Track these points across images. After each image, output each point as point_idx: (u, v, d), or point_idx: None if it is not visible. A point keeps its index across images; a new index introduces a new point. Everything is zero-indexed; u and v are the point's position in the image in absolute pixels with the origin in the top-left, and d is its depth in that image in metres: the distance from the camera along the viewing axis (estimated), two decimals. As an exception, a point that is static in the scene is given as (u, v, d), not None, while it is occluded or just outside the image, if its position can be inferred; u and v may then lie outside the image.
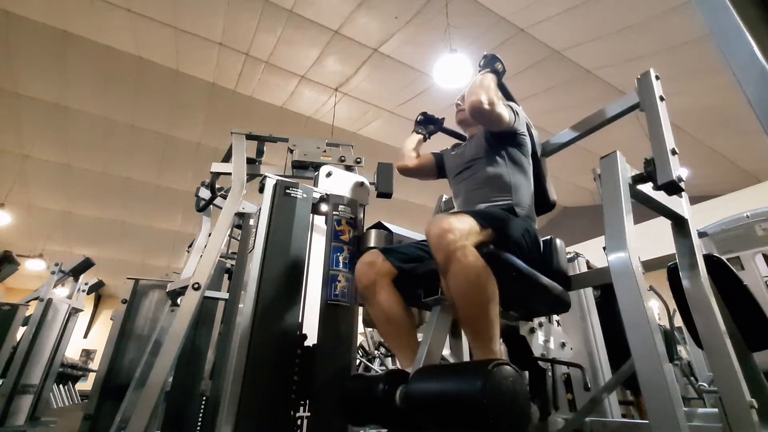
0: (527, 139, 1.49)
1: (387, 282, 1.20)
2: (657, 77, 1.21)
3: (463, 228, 1.04)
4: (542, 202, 1.57)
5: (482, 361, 0.93)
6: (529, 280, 1.13)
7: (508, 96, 1.58)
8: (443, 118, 1.87)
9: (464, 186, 1.52)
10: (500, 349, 1.03)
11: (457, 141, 1.79)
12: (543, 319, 1.25)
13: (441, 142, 1.85)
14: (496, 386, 0.79)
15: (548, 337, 1.21)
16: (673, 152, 1.04)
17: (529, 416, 0.88)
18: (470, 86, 1.41)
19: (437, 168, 1.76)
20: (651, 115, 1.15)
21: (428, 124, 1.87)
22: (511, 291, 1.10)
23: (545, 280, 1.17)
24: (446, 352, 1.50)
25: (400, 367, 1.15)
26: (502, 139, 1.46)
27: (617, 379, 1.37)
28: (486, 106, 1.31)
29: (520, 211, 1.33)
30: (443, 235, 1.01)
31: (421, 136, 1.84)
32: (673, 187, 1.01)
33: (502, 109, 1.37)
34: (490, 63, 1.51)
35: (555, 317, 2.11)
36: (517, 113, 1.47)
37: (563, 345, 1.23)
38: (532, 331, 1.21)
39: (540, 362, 1.17)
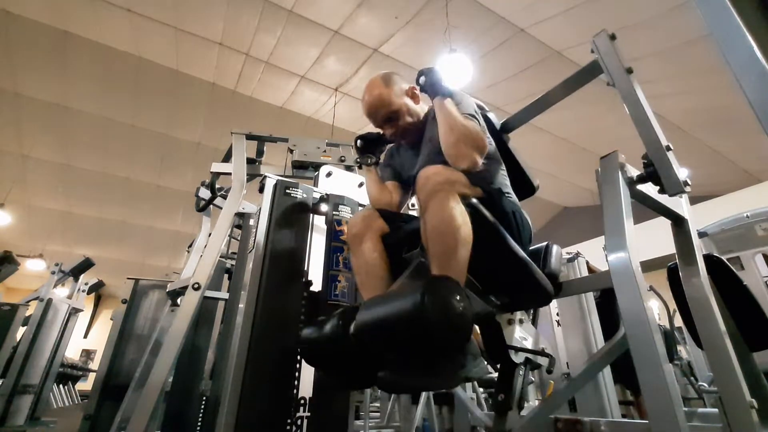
0: (482, 123, 1.29)
1: (375, 236, 1.21)
2: (613, 36, 1.16)
3: (453, 176, 1.04)
4: (522, 186, 1.47)
5: (425, 279, 0.93)
6: (507, 250, 1.08)
7: (446, 91, 1.30)
8: (382, 133, 1.49)
9: None
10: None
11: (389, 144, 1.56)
12: (526, 317, 1.23)
13: None
14: (434, 296, 0.80)
15: (527, 337, 1.19)
16: (668, 149, 1.03)
17: (469, 330, 0.89)
18: (449, 134, 1.17)
19: (405, 185, 1.52)
20: (623, 91, 1.12)
21: (373, 146, 1.51)
22: (486, 258, 1.05)
23: (526, 258, 1.12)
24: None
25: None
26: None
27: (597, 364, 1.36)
28: (479, 167, 1.16)
29: (506, 194, 1.28)
30: (430, 177, 1.01)
31: (373, 167, 1.50)
32: (678, 191, 1.01)
33: (483, 147, 1.21)
34: (439, 85, 1.23)
35: (554, 317, 2.12)
36: (476, 113, 1.28)
37: (543, 350, 1.20)
38: (510, 323, 1.18)
39: (512, 356, 1.15)
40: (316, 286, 1.46)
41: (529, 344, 1.18)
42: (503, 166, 1.37)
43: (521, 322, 1.20)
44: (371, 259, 1.18)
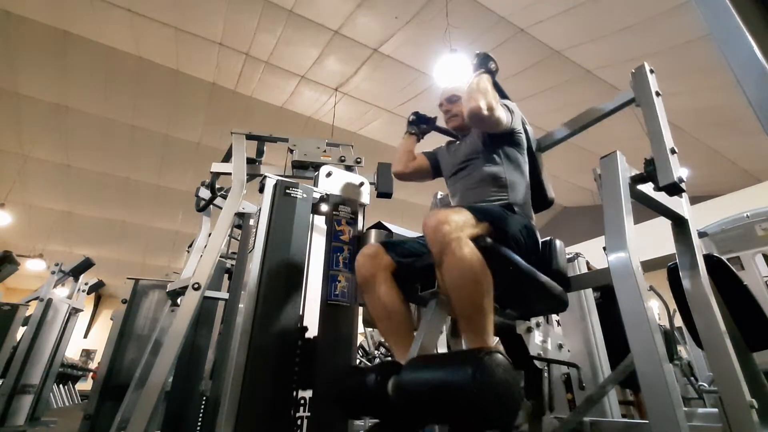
0: (523, 137, 1.48)
1: (387, 275, 1.20)
2: (651, 71, 1.20)
3: (459, 220, 1.05)
4: (540, 199, 1.56)
5: (473, 349, 0.93)
6: (526, 276, 1.12)
7: (501, 94, 1.55)
8: (435, 117, 1.81)
9: (461, 185, 1.52)
10: (494, 341, 1.02)
11: (450, 139, 1.77)
12: (541, 319, 1.25)
13: (434, 141, 1.83)
14: (486, 374, 0.79)
15: (545, 338, 1.21)
16: (673, 151, 1.03)
17: (519, 405, 0.87)
18: (467, 90, 1.37)
19: (433, 169, 1.73)
20: (647, 111, 1.14)
21: (421, 123, 1.81)
22: (507, 287, 1.09)
23: (542, 277, 1.16)
24: (443, 349, 1.50)
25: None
26: (497, 137, 1.45)
27: (614, 377, 1.37)
28: (485, 112, 1.29)
29: (517, 208, 1.32)
30: (439, 227, 1.01)
31: (414, 137, 1.80)
32: (674, 188, 1.01)
33: (501, 112, 1.36)
34: (484, 63, 1.45)
35: (555, 318, 2.12)
36: (513, 112, 1.46)
37: (560, 346, 1.23)
38: (529, 330, 1.20)
39: (536, 362, 1.16)
40: (316, 286, 1.46)
41: (548, 344, 1.20)
42: (527, 179, 1.45)
43: (538, 325, 1.22)
44: (389, 302, 1.18)
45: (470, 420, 0.81)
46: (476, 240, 1.04)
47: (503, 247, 1.09)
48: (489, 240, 1.07)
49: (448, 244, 0.99)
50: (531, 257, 1.19)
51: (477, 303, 0.97)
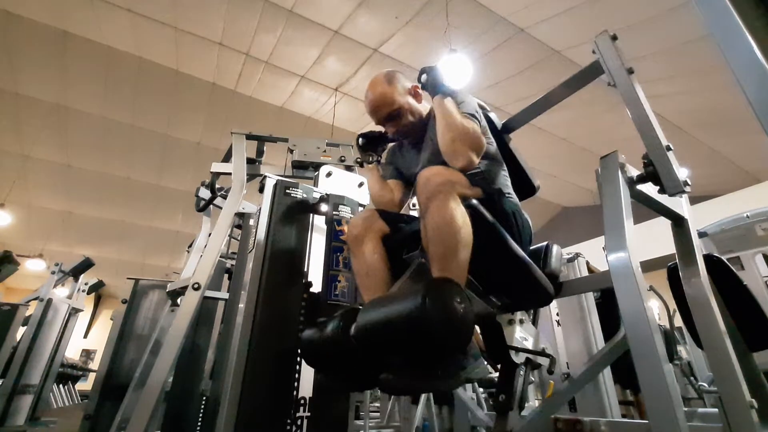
0: (483, 124, 1.30)
1: (376, 237, 1.21)
2: (614, 37, 1.16)
3: (453, 177, 1.04)
4: (523, 186, 1.47)
5: (428, 279, 0.94)
6: (507, 251, 1.09)
7: (451, 90, 1.30)
8: (384, 131, 1.50)
9: None
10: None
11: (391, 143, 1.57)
12: (526, 316, 1.23)
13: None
14: (436, 299, 0.80)
15: (527, 337, 1.20)
16: (668, 149, 1.03)
17: (471, 331, 0.88)
18: (445, 139, 1.17)
19: (408, 184, 1.52)
20: (625, 94, 1.12)
21: (375, 144, 1.52)
22: (487, 259, 1.05)
23: (525, 257, 1.12)
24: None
25: None
26: None
27: (597, 364, 1.36)
28: (476, 160, 1.16)
29: (507, 195, 1.29)
30: (431, 178, 1.01)
31: (374, 165, 1.52)
32: (678, 191, 1.01)
33: (482, 141, 1.21)
34: (439, 83, 1.24)
35: (555, 317, 2.12)
36: (478, 114, 1.28)
37: (543, 350, 1.21)
38: (511, 323, 1.18)
39: (513, 356, 1.15)
40: (316, 286, 1.46)
41: (529, 344, 1.19)
42: (504, 167, 1.37)
43: (522, 322, 1.21)
44: (372, 260, 1.18)
45: (424, 348, 0.82)
46: (464, 199, 1.03)
47: (490, 215, 1.08)
48: (477, 203, 1.06)
49: (436, 194, 0.99)
50: (520, 242, 1.16)
51: (452, 252, 0.96)
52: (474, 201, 1.05)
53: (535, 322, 1.29)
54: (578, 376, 1.35)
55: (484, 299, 1.13)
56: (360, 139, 1.52)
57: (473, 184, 1.11)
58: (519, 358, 1.16)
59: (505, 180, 1.34)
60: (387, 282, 1.17)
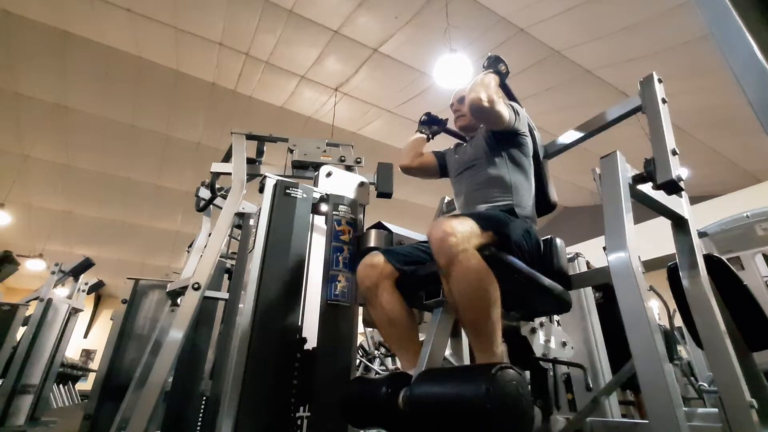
0: (528, 140, 1.49)
1: (389, 284, 1.20)
2: (660, 80, 1.21)
3: (465, 231, 1.05)
4: (543, 203, 1.57)
5: (486, 364, 0.93)
6: (531, 281, 1.13)
7: (510, 97, 1.58)
8: (447, 119, 1.84)
9: (465, 186, 1.53)
10: (502, 350, 1.03)
11: (459, 141, 1.79)
12: (544, 319, 1.25)
13: (444, 143, 1.85)
14: (499, 390, 0.79)
15: (549, 337, 1.22)
16: (674, 153, 1.03)
17: (532, 419, 0.88)
18: (470, 84, 1.40)
19: (439, 167, 1.76)
20: (652, 118, 1.15)
21: (432, 124, 1.86)
22: (513, 292, 1.10)
23: (546, 280, 1.17)
24: (447, 352, 1.51)
25: (401, 369, 1.15)
26: (502, 139, 1.46)
27: (618, 379, 1.37)
28: (485, 104, 1.31)
29: (520, 211, 1.33)
30: (445, 239, 1.01)
31: (424, 136, 1.83)
32: (672, 187, 1.01)
33: (502, 108, 1.37)
34: (493, 64, 1.50)
35: (555, 317, 2.12)
36: (518, 113, 1.47)
37: (564, 344, 1.24)
38: (534, 331, 1.21)
39: (541, 362, 1.17)
40: (316, 286, 1.46)
41: (552, 343, 1.20)
42: (532, 183, 1.46)
43: (542, 325, 1.23)
44: (392, 310, 1.18)
45: None
46: (481, 249, 1.05)
47: (507, 255, 1.10)
48: (494, 249, 1.08)
49: (455, 256, 0.99)
50: (534, 260, 1.20)
51: (485, 313, 0.98)
52: (492, 250, 1.08)
53: (552, 319, 1.31)
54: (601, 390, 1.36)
55: (506, 317, 1.15)
56: (423, 116, 1.87)
57: (483, 228, 1.11)
58: (546, 363, 1.18)
59: (527, 196, 1.41)
60: (413, 329, 1.19)
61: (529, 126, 1.53)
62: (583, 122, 1.49)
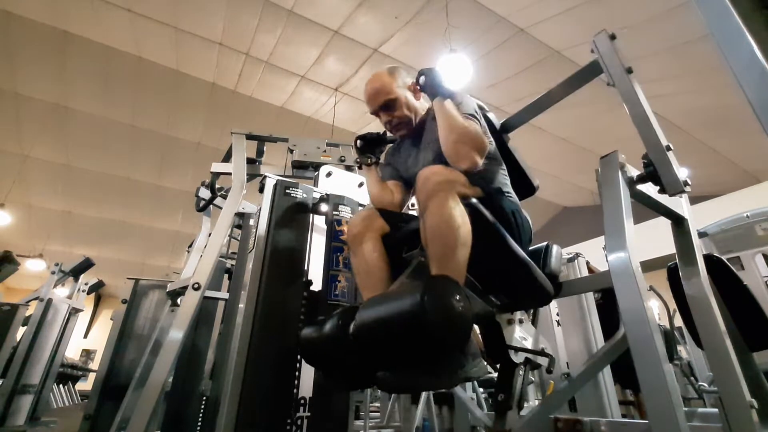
0: (483, 123, 1.29)
1: (375, 236, 1.21)
2: (613, 36, 1.17)
3: (452, 176, 1.04)
4: (523, 186, 1.48)
5: (427, 276, 0.94)
6: (507, 250, 1.09)
7: (449, 91, 1.29)
8: (384, 132, 1.53)
9: None
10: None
11: (395, 141, 1.57)
12: (525, 316, 1.23)
13: None
14: (434, 296, 0.80)
15: (526, 337, 1.20)
16: (668, 149, 1.03)
17: (469, 328, 0.89)
18: (448, 141, 1.17)
19: (407, 186, 1.51)
20: (624, 93, 1.12)
21: (373, 146, 1.52)
22: (486, 258, 1.05)
23: (525, 257, 1.12)
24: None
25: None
26: None
27: (597, 363, 1.36)
28: (480, 162, 1.16)
29: (506, 194, 1.30)
30: (430, 177, 1.01)
31: (372, 166, 1.51)
32: (678, 191, 1.01)
33: (485, 141, 1.21)
34: (439, 85, 1.24)
35: (555, 317, 2.12)
36: (477, 114, 1.28)
37: (543, 350, 1.21)
38: (510, 322, 1.18)
39: (512, 356, 1.15)
40: (316, 286, 1.46)
41: (528, 344, 1.19)
42: (504, 167, 1.38)
43: (521, 322, 1.21)
44: (371, 259, 1.18)
45: (422, 345, 0.82)
46: (464, 198, 1.03)
47: (489, 214, 1.07)
48: (476, 201, 1.06)
49: (435, 193, 0.99)
50: (519, 242, 1.16)
51: (450, 249, 0.96)
52: (473, 200, 1.05)
53: (534, 322, 1.29)
54: (578, 376, 1.35)
55: (483, 299, 1.13)
56: (358, 141, 1.52)
57: (473, 183, 1.11)
58: (518, 358, 1.16)
59: (504, 179, 1.34)
60: (387, 280, 1.17)
61: (481, 108, 1.38)
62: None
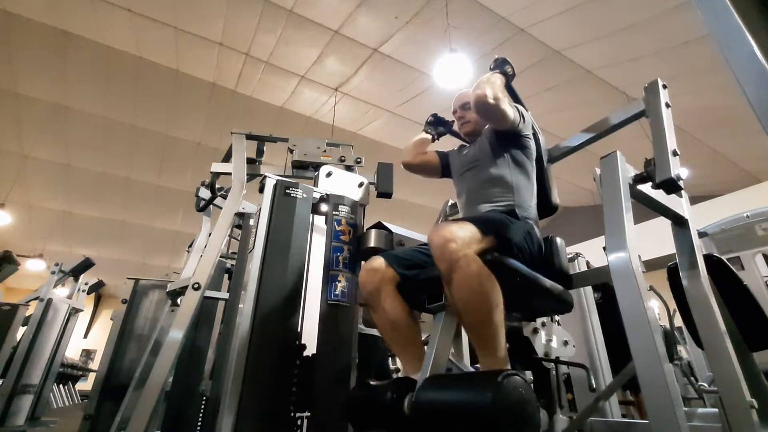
0: (531, 143, 1.50)
1: (391, 288, 1.20)
2: (664, 86, 1.22)
3: (465, 236, 1.05)
4: (544, 206, 1.57)
5: (491, 371, 0.94)
6: (532, 284, 1.13)
7: (516, 99, 1.58)
8: (453, 121, 1.83)
9: (467, 186, 1.53)
10: (506, 353, 1.03)
11: (463, 143, 1.78)
12: (545, 318, 1.26)
13: (448, 144, 1.85)
14: (505, 397, 0.79)
15: (551, 336, 1.22)
16: (675, 153, 1.04)
17: (539, 425, 0.88)
18: (477, 82, 1.40)
19: (441, 167, 1.75)
20: (655, 122, 1.15)
21: (438, 125, 1.85)
22: (515, 295, 1.10)
23: (547, 282, 1.17)
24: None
25: (404, 373, 1.16)
26: (505, 140, 1.47)
27: (619, 380, 1.37)
28: (490, 100, 1.31)
29: (521, 212, 1.33)
30: (446, 245, 1.01)
31: (429, 137, 1.82)
32: (671, 186, 1.01)
33: (506, 106, 1.37)
34: (500, 65, 1.52)
35: (556, 317, 2.12)
36: (523, 115, 1.47)
37: (566, 343, 1.24)
38: (536, 331, 1.22)
39: (544, 362, 1.17)
40: (316, 287, 1.46)
41: (554, 342, 1.21)
42: (534, 186, 1.46)
43: (543, 325, 1.23)
44: (395, 315, 1.18)
45: None
46: (482, 254, 1.05)
47: (509, 258, 1.10)
48: (495, 254, 1.08)
49: (456, 262, 0.99)
50: (535, 261, 1.20)
51: (488, 318, 0.98)
52: (494, 255, 1.07)
53: (553, 319, 1.31)
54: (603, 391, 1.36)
55: (508, 318, 1.15)
56: (430, 117, 1.86)
57: (484, 233, 1.11)
58: (548, 363, 1.18)
59: (528, 198, 1.40)
60: (415, 332, 1.19)
61: (533, 129, 1.53)
62: (587, 126, 1.49)
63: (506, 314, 1.14)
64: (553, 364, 1.18)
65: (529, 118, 1.52)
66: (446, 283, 1.04)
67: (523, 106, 1.56)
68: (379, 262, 1.24)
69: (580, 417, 1.36)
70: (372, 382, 1.08)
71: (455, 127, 1.82)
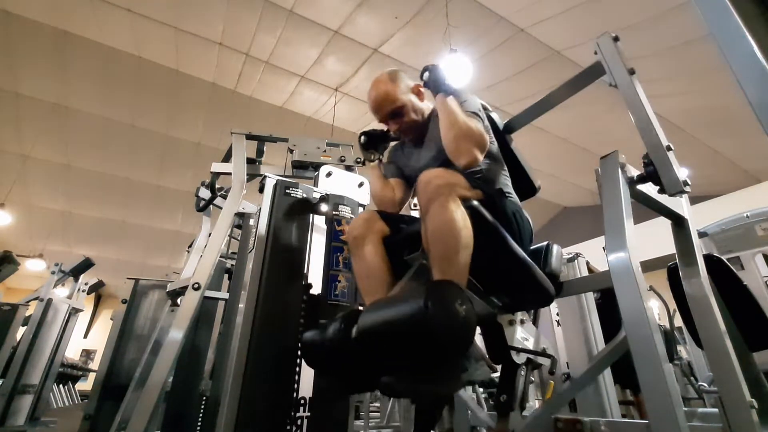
0: (485, 123, 1.30)
1: (376, 238, 1.20)
2: (616, 38, 1.17)
3: (453, 179, 1.04)
4: (524, 187, 1.49)
5: (428, 281, 0.94)
6: (508, 251, 1.08)
7: (456, 91, 1.33)
8: (387, 129, 1.51)
9: None
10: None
11: (398, 141, 1.57)
12: (526, 316, 1.23)
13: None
14: (437, 302, 0.80)
15: (528, 337, 1.20)
16: (669, 149, 1.03)
17: (472, 334, 0.88)
18: (449, 135, 1.18)
19: (409, 185, 1.52)
20: (625, 92, 1.12)
21: (376, 143, 1.53)
22: (487, 260, 1.05)
23: (527, 258, 1.12)
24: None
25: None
26: None
27: (598, 365, 1.37)
28: (480, 158, 1.17)
29: (508, 194, 1.30)
30: (431, 181, 1.01)
31: (376, 163, 1.52)
32: (678, 191, 1.01)
33: (485, 140, 1.22)
34: (442, 82, 1.25)
35: (554, 317, 2.12)
36: (480, 114, 1.28)
37: (544, 350, 1.21)
38: (512, 323, 1.18)
39: (514, 357, 1.15)
40: (316, 287, 1.46)
41: (530, 344, 1.18)
42: (505, 167, 1.38)
43: (522, 322, 1.20)
44: (372, 262, 1.18)
45: (425, 351, 0.82)
46: (465, 200, 1.03)
47: (490, 216, 1.07)
48: (477, 203, 1.05)
49: (436, 197, 0.99)
50: (521, 243, 1.16)
51: (452, 252, 0.95)
52: (474, 202, 1.05)
53: (535, 322, 1.29)
54: (579, 377, 1.35)
55: (484, 300, 1.13)
56: (362, 138, 1.53)
57: (473, 186, 1.11)
58: (520, 359, 1.15)
59: (505, 180, 1.34)
60: (388, 283, 1.16)
61: (483, 108, 1.36)
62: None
63: (483, 296, 1.12)
64: (525, 367, 1.16)
65: (478, 102, 1.32)
66: (422, 219, 1.03)
67: (463, 93, 1.32)
68: (372, 214, 1.26)
69: (555, 400, 1.34)
70: (322, 321, 1.08)
71: (392, 133, 1.53)
